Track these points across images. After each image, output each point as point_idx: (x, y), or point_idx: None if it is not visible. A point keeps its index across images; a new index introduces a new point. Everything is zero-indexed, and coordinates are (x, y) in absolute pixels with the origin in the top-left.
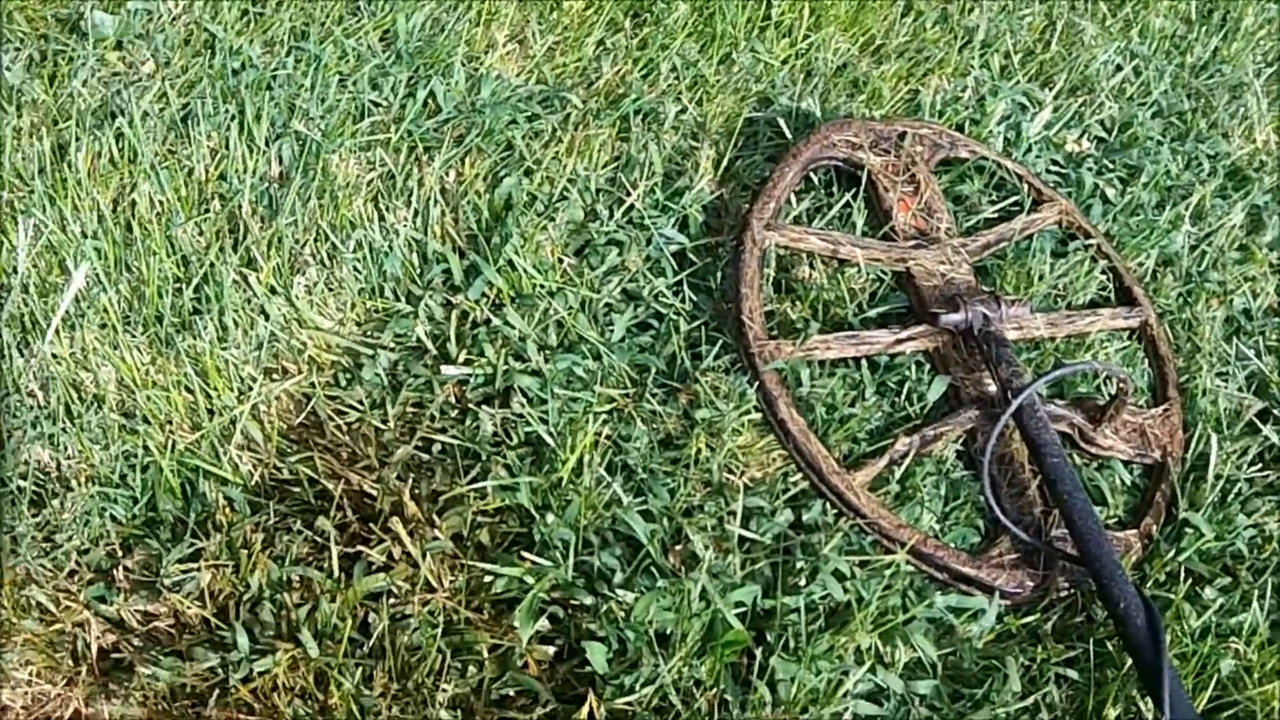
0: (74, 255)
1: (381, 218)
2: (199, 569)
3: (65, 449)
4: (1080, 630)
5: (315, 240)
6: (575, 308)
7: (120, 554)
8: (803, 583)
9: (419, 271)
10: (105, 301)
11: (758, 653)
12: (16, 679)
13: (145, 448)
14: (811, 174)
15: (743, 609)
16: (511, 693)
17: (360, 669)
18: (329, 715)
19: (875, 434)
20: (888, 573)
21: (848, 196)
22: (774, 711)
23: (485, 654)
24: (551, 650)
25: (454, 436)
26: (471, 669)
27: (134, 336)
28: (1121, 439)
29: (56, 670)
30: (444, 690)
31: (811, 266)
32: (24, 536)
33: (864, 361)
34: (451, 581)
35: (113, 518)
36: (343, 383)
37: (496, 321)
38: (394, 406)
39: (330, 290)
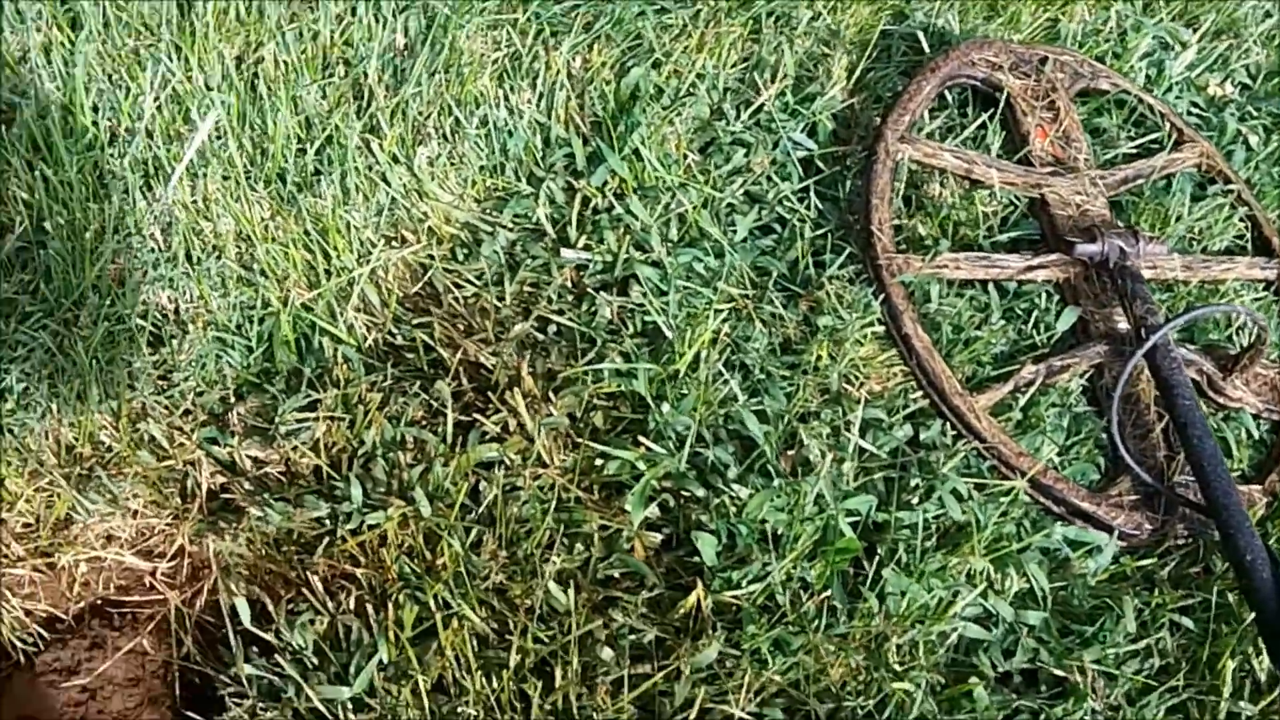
0: (199, 106)
1: (506, 98)
2: (314, 420)
3: (185, 293)
4: (1197, 580)
5: (439, 114)
6: (698, 204)
7: (234, 400)
8: (917, 500)
9: (541, 154)
10: (229, 154)
11: (867, 564)
12: (126, 509)
13: (263, 301)
14: (946, 92)
15: (856, 519)
16: (617, 574)
17: (470, 533)
18: (435, 575)
19: (999, 359)
20: (1005, 499)
21: (984, 118)
22: (882, 624)
23: (594, 533)
24: (659, 537)
25: (570, 319)
26: (579, 546)
27: (255, 191)
28: (1252, 391)
29: (164, 506)
30: (552, 563)
31: (943, 185)
32: (141, 373)
33: (992, 286)
34: (563, 460)
35: (229, 364)
36: (460, 257)
37: (619, 210)
38: (511, 285)
39: (452, 164)
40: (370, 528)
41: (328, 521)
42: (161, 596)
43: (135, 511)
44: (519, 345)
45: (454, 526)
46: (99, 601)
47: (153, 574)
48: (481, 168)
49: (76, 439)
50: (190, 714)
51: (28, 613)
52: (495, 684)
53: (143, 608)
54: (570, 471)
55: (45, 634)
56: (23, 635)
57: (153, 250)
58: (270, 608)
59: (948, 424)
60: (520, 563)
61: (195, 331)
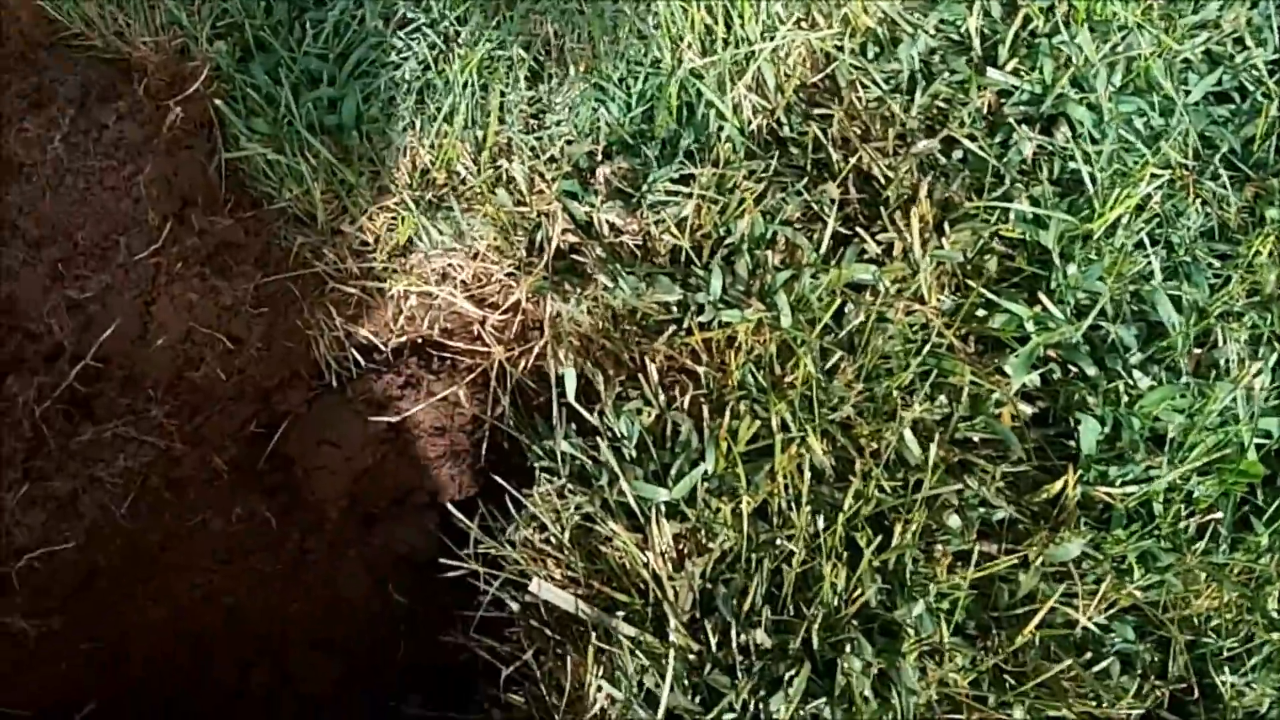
0: None
1: None
2: (685, 196)
3: (574, 30)
4: None
5: None
6: (1152, 52)
7: (603, 158)
8: None
9: None
10: None
11: (1263, 495)
12: (470, 248)
13: (653, 58)
14: None
15: (1263, 442)
16: (978, 438)
17: (828, 357)
18: (781, 393)
19: None
20: None
21: None
22: (1269, 564)
23: (963, 388)
24: (1031, 410)
25: (981, 148)
26: (942, 399)
27: None
28: None
29: (507, 255)
30: (911, 409)
31: None
32: (514, 106)
33: None
34: (942, 301)
35: (605, 117)
36: (872, 54)
37: (1062, 37)
38: (921, 96)
39: None
40: (722, 325)
41: (676, 309)
42: (486, 349)
43: (478, 254)
44: (919, 164)
45: (811, 344)
46: (420, 340)
47: (482, 323)
48: None
49: (433, 162)
50: (495, 477)
51: (348, 335)
52: (824, 524)
53: (464, 356)
54: (949, 315)
55: (361, 360)
56: (340, 357)
57: None
58: (599, 387)
59: None
60: (876, 401)
61: (575, 74)
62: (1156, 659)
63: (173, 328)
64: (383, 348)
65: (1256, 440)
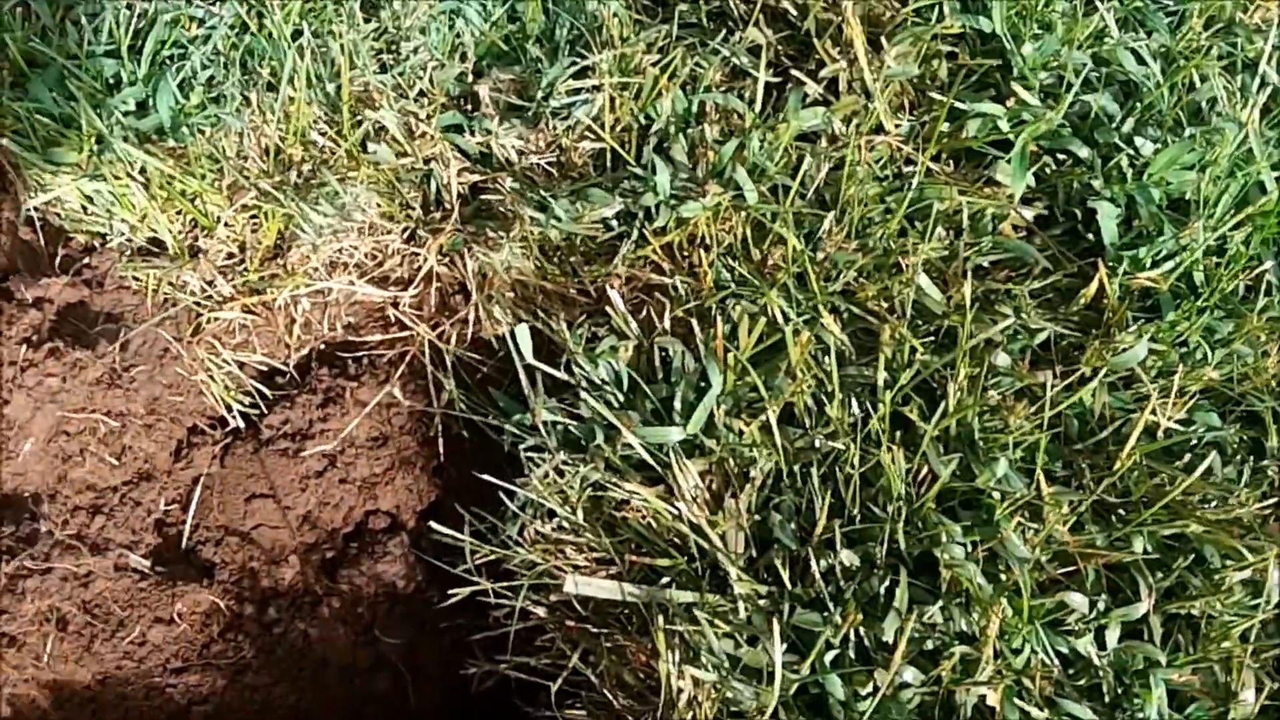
0: None
1: None
2: (592, 90)
3: None
4: None
5: None
6: None
7: (476, 76)
8: None
9: None
10: None
11: None
12: (355, 224)
13: None
14: None
15: None
16: (988, 262)
17: (803, 224)
18: (765, 273)
19: None
20: None
21: None
22: None
23: (960, 213)
24: (1031, 214)
25: None
26: (940, 231)
27: None
28: None
29: (399, 220)
30: (915, 251)
31: None
32: (359, 46)
33: None
34: (899, 126)
35: (466, 29)
36: None
37: None
38: None
39: None
40: (680, 223)
41: (620, 222)
42: (407, 333)
43: (368, 226)
44: None
45: (785, 214)
46: (325, 347)
47: (394, 305)
48: None
49: (284, 138)
50: (478, 474)
51: (241, 366)
52: (862, 408)
53: (382, 350)
54: (913, 138)
55: (267, 392)
56: (238, 396)
57: None
58: (560, 335)
59: None
60: (875, 253)
61: None
62: (1248, 438)
63: (38, 425)
64: (284, 367)
65: (1277, 175)
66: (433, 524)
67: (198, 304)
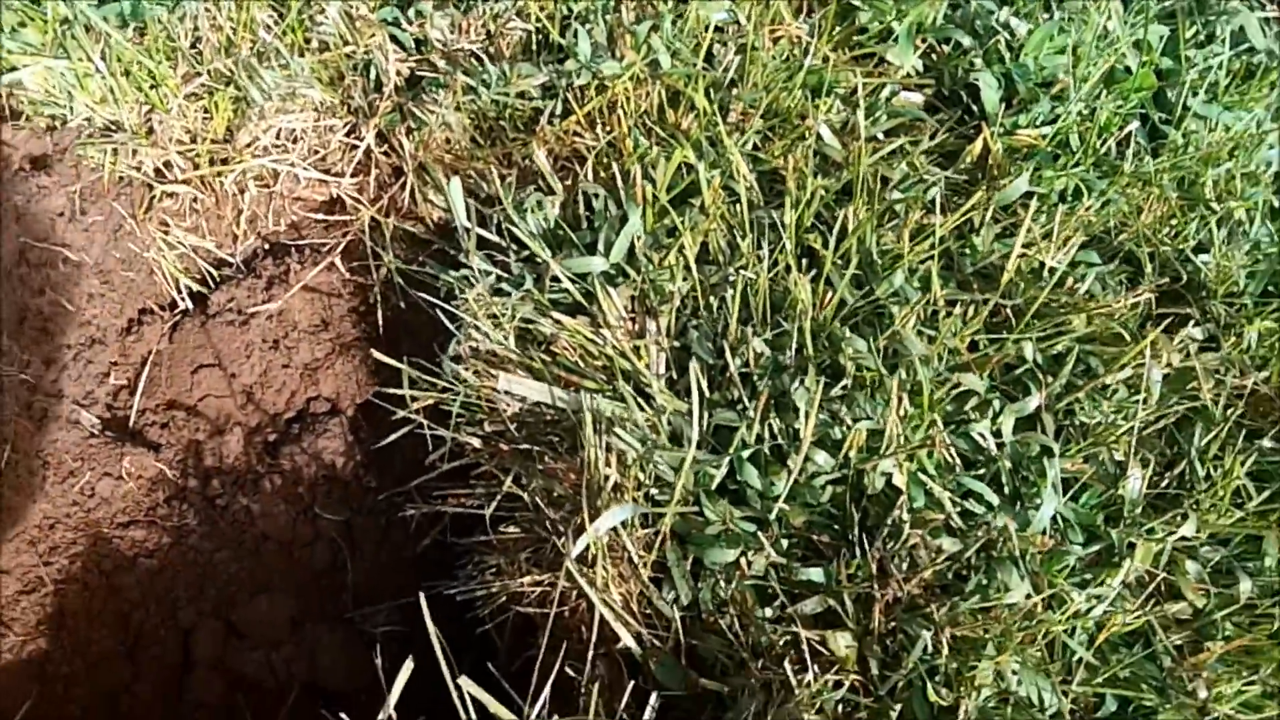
0: None
1: None
2: None
3: None
4: None
5: None
6: None
7: None
8: (1205, 38)
9: None
10: None
11: (1157, 111)
12: (303, 101)
13: None
14: None
15: (1146, 59)
16: (882, 133)
17: (717, 98)
18: (680, 138)
19: None
20: None
21: None
22: (1191, 157)
23: (858, 89)
24: (920, 99)
25: None
26: (839, 105)
27: None
28: None
29: (337, 113)
30: (823, 117)
31: None
32: None
33: None
34: (801, 25)
35: None
36: None
37: None
38: None
39: None
40: (600, 91)
41: (544, 95)
42: (349, 217)
43: (310, 108)
44: None
45: (697, 80)
46: (269, 245)
47: (336, 185)
48: None
49: (235, 30)
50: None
51: (194, 249)
52: (771, 242)
53: (324, 239)
54: (813, 30)
55: (216, 274)
56: (187, 280)
57: None
58: (493, 193)
59: None
60: (776, 127)
61: None
62: (1125, 278)
63: (3, 247)
64: (231, 259)
65: (1142, 60)
66: (374, 351)
67: (150, 185)
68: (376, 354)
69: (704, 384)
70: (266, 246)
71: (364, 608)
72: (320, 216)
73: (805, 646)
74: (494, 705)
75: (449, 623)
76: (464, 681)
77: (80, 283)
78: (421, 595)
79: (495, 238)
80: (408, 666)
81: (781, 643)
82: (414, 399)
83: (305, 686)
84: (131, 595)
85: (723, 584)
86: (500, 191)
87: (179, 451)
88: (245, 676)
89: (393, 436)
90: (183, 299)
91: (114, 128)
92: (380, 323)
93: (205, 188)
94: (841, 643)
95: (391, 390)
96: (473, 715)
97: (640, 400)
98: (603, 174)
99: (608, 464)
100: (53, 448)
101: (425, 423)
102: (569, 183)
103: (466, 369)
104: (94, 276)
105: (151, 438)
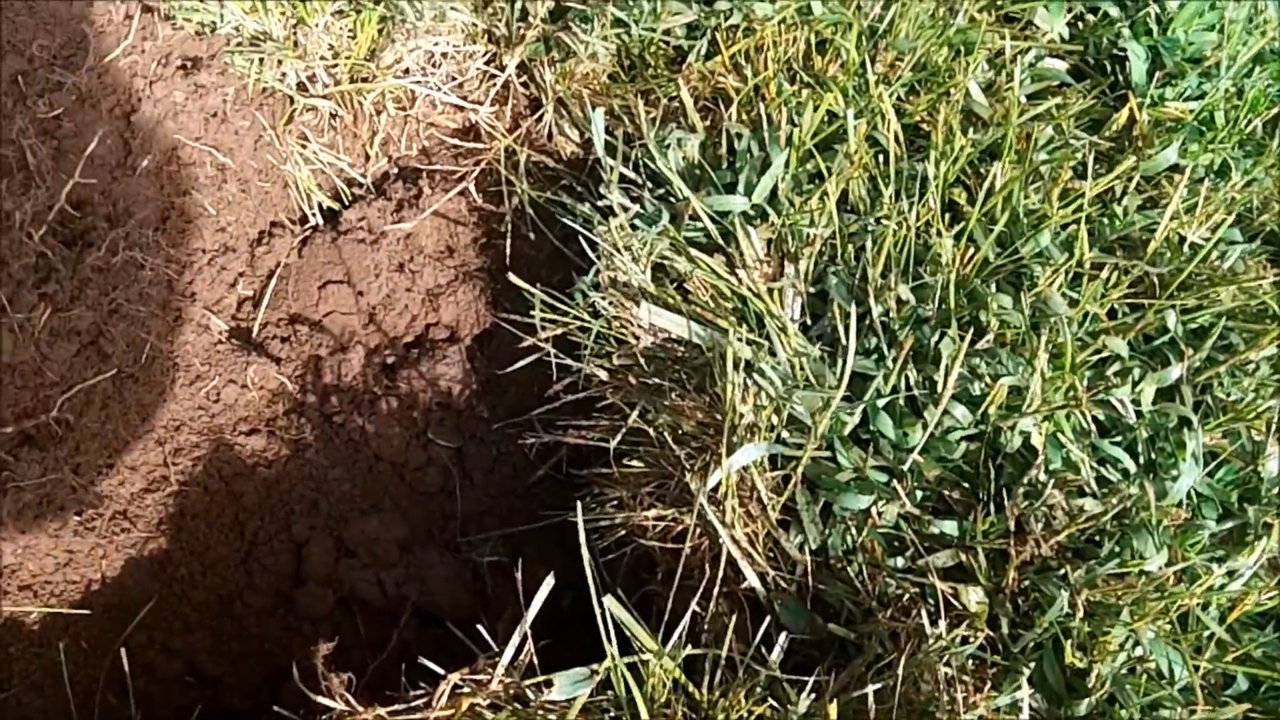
0: None
1: None
2: None
3: None
4: None
5: None
6: None
7: None
8: None
9: None
10: None
11: None
12: (449, 30)
13: None
14: None
15: None
16: (1027, 96)
17: (863, 50)
18: (830, 84)
19: None
20: None
21: None
22: None
23: (1004, 51)
24: (1065, 66)
25: None
26: (984, 66)
27: None
28: None
29: (479, 39)
30: (967, 74)
31: None
32: None
33: None
34: None
35: None
36: None
37: None
38: None
39: None
40: (749, 32)
41: (690, 35)
42: (479, 146)
43: (456, 31)
44: None
45: (848, 28)
46: (401, 168)
47: (474, 113)
48: None
49: None
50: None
51: (329, 165)
52: (914, 195)
53: (454, 166)
54: None
55: (348, 192)
56: (322, 191)
57: None
58: (636, 127)
59: None
60: (925, 80)
61: None
62: (1266, 258)
63: (157, 144)
64: (362, 180)
65: None
66: (511, 275)
67: (291, 98)
68: (513, 277)
69: (842, 330)
70: (396, 170)
71: (469, 535)
72: (455, 142)
73: (935, 599)
74: (637, 629)
75: (562, 555)
76: (609, 601)
77: (221, 188)
78: (579, 515)
79: (631, 174)
80: (549, 582)
81: (909, 594)
82: (544, 327)
83: (414, 609)
84: (249, 503)
85: (853, 531)
86: (645, 126)
87: (299, 366)
88: (355, 594)
89: (520, 364)
90: (314, 214)
91: (261, 38)
92: (508, 253)
93: (345, 104)
94: (973, 598)
95: (519, 318)
96: (612, 637)
97: (775, 342)
98: (745, 116)
99: (744, 401)
100: (183, 350)
101: (553, 352)
102: (708, 123)
103: (604, 298)
104: (234, 183)
105: (273, 351)
